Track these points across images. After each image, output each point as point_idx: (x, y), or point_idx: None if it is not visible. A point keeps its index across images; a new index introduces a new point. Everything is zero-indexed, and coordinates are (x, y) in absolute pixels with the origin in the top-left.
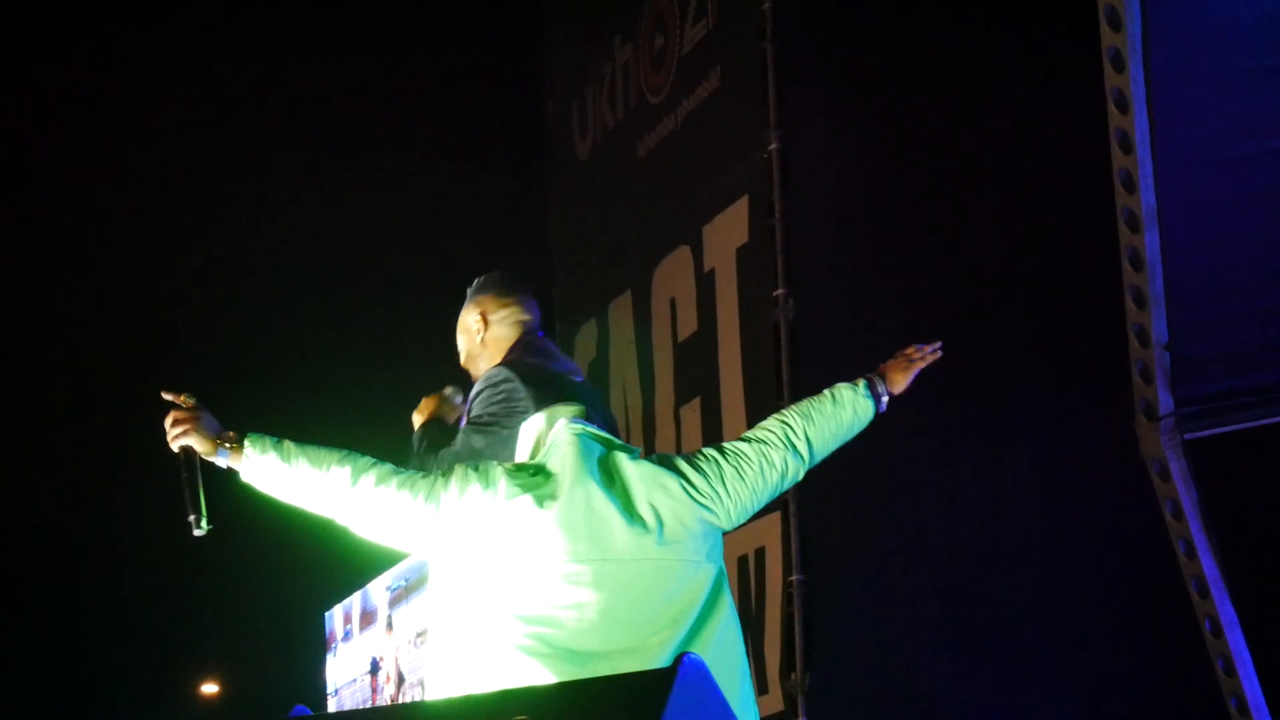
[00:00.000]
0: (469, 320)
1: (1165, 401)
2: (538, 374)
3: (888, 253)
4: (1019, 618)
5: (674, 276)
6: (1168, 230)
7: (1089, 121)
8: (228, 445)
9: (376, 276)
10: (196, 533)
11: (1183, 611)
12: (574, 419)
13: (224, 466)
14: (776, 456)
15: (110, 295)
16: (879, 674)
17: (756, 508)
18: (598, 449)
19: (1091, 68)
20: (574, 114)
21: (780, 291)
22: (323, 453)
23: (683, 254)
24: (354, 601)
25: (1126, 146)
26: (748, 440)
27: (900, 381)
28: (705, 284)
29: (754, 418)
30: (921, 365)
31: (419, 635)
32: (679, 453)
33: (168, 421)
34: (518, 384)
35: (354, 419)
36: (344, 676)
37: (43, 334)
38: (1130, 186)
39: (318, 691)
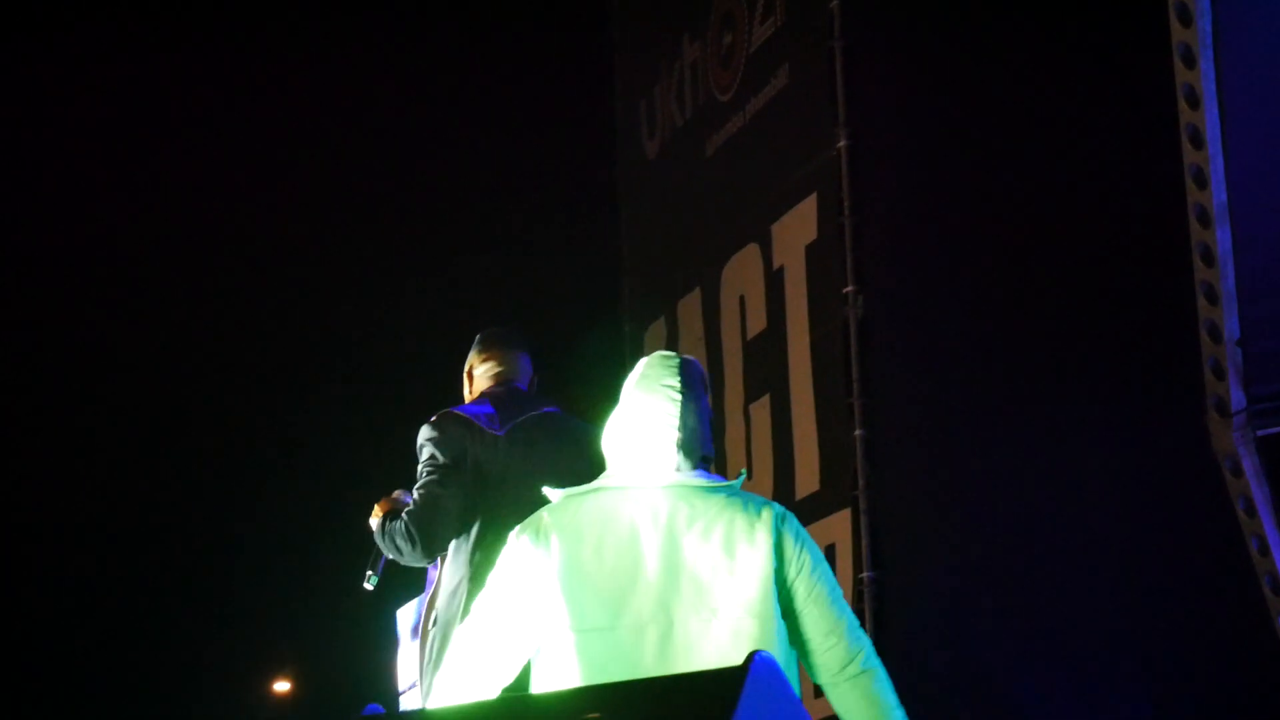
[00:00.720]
0: (464, 373)
1: (1237, 398)
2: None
3: (957, 249)
4: (1091, 615)
5: (743, 274)
6: (1239, 225)
7: (1160, 117)
8: None
9: (443, 282)
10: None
11: (1255, 607)
12: (659, 468)
13: None
14: (833, 635)
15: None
16: (950, 671)
17: (792, 624)
18: (688, 494)
19: (1163, 63)
20: (642, 113)
21: (850, 289)
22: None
23: (751, 252)
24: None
25: (1197, 142)
26: (847, 608)
27: None
28: (774, 281)
29: (823, 415)
30: None
31: None
32: (750, 458)
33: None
34: (437, 435)
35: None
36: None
37: (137, 333)
38: (1201, 182)
39: (389, 689)
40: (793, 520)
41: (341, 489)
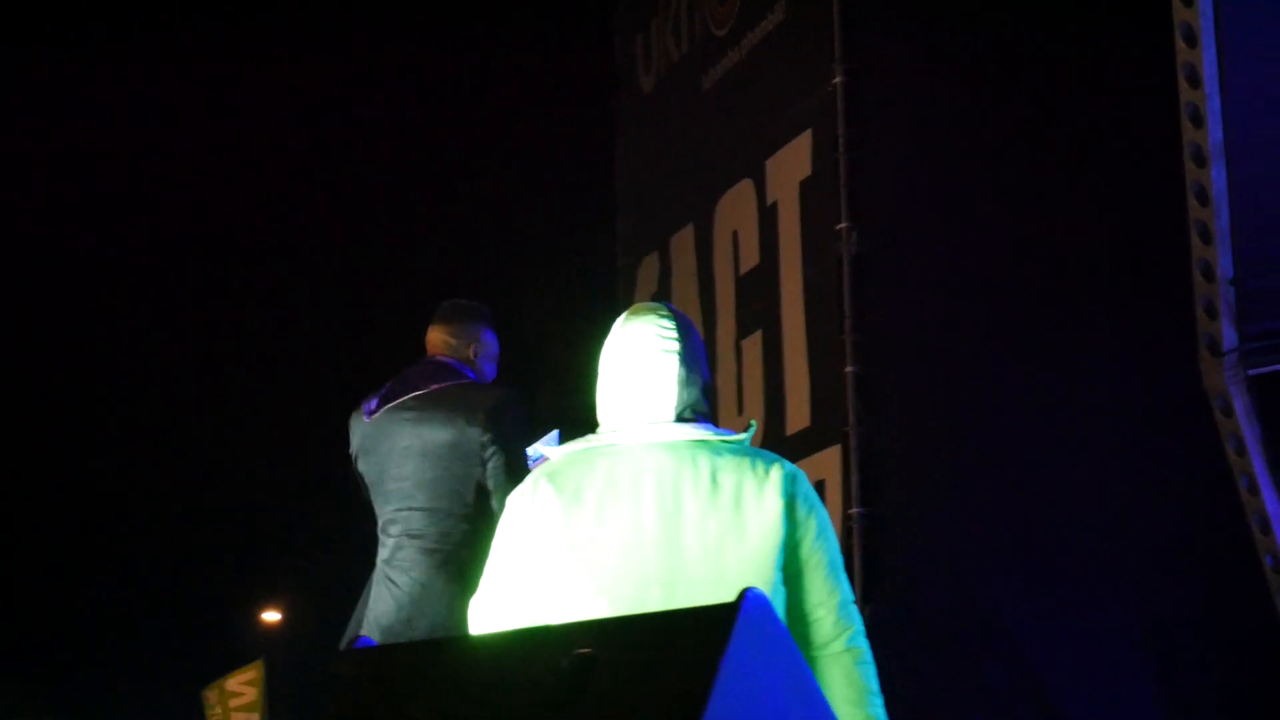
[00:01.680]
0: None
1: (1229, 337)
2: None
3: (953, 187)
4: (1082, 548)
5: (737, 210)
6: (1234, 165)
7: (1158, 55)
8: None
9: (442, 213)
10: None
11: (1245, 547)
12: (662, 421)
13: None
14: (826, 605)
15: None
16: (940, 606)
17: (791, 593)
18: (693, 451)
19: (1162, 2)
20: (639, 47)
21: (844, 225)
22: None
23: (745, 187)
24: None
25: (1194, 81)
26: (848, 587)
27: None
28: (768, 217)
29: (815, 351)
30: None
31: None
32: (741, 394)
33: None
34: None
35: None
36: None
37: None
38: (1198, 121)
39: None
40: (803, 480)
41: (335, 418)
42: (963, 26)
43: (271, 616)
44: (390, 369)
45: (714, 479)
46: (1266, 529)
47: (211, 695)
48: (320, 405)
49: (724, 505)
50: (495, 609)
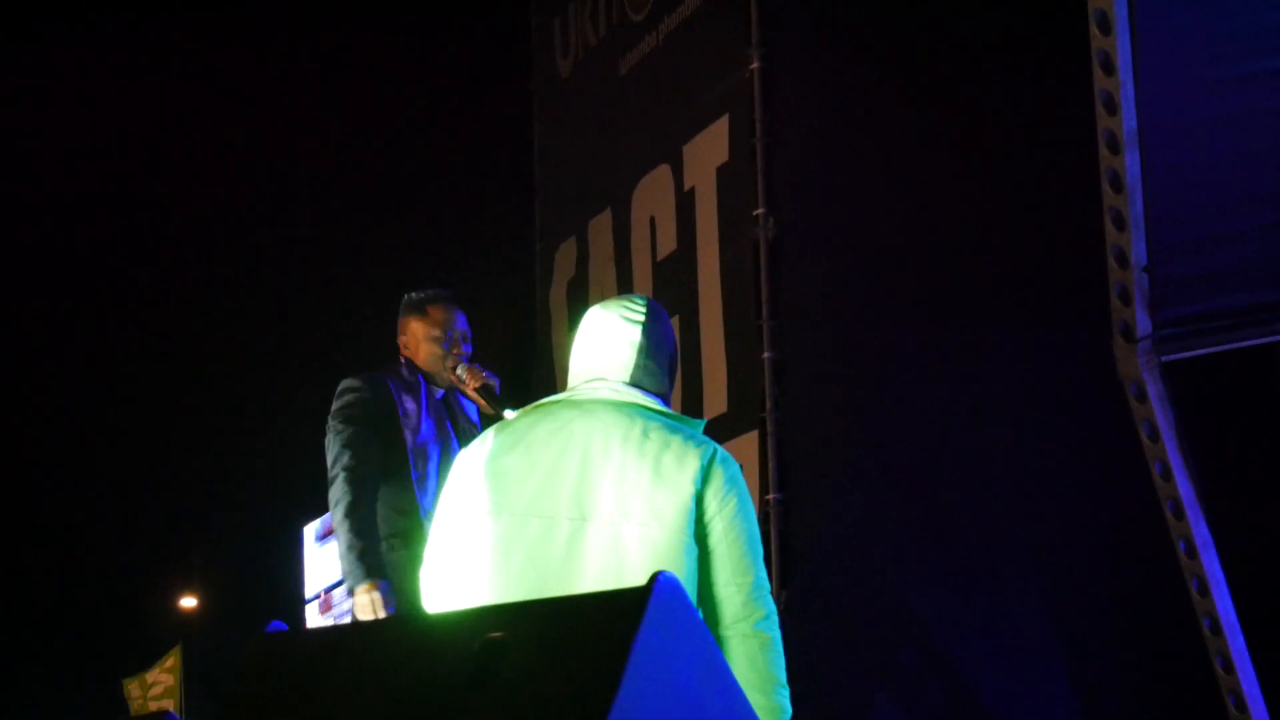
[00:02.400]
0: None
1: (1143, 323)
2: None
3: (868, 172)
4: (995, 535)
5: (654, 195)
6: (1148, 152)
7: (1071, 42)
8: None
9: (354, 198)
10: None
11: (1158, 534)
12: (615, 383)
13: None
14: (733, 585)
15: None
16: (856, 592)
17: (705, 561)
18: (633, 412)
19: None
20: (556, 30)
21: (760, 210)
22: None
23: (663, 172)
24: None
25: (1108, 68)
26: (760, 569)
27: None
28: (685, 202)
29: (732, 336)
30: None
31: None
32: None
33: None
34: None
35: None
36: (328, 579)
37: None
38: (1112, 108)
39: (296, 588)
40: (732, 465)
41: (248, 403)
42: (878, 13)
43: (188, 602)
44: (297, 355)
45: (644, 439)
46: (1180, 514)
47: (133, 687)
48: (233, 390)
49: (646, 459)
50: (442, 559)
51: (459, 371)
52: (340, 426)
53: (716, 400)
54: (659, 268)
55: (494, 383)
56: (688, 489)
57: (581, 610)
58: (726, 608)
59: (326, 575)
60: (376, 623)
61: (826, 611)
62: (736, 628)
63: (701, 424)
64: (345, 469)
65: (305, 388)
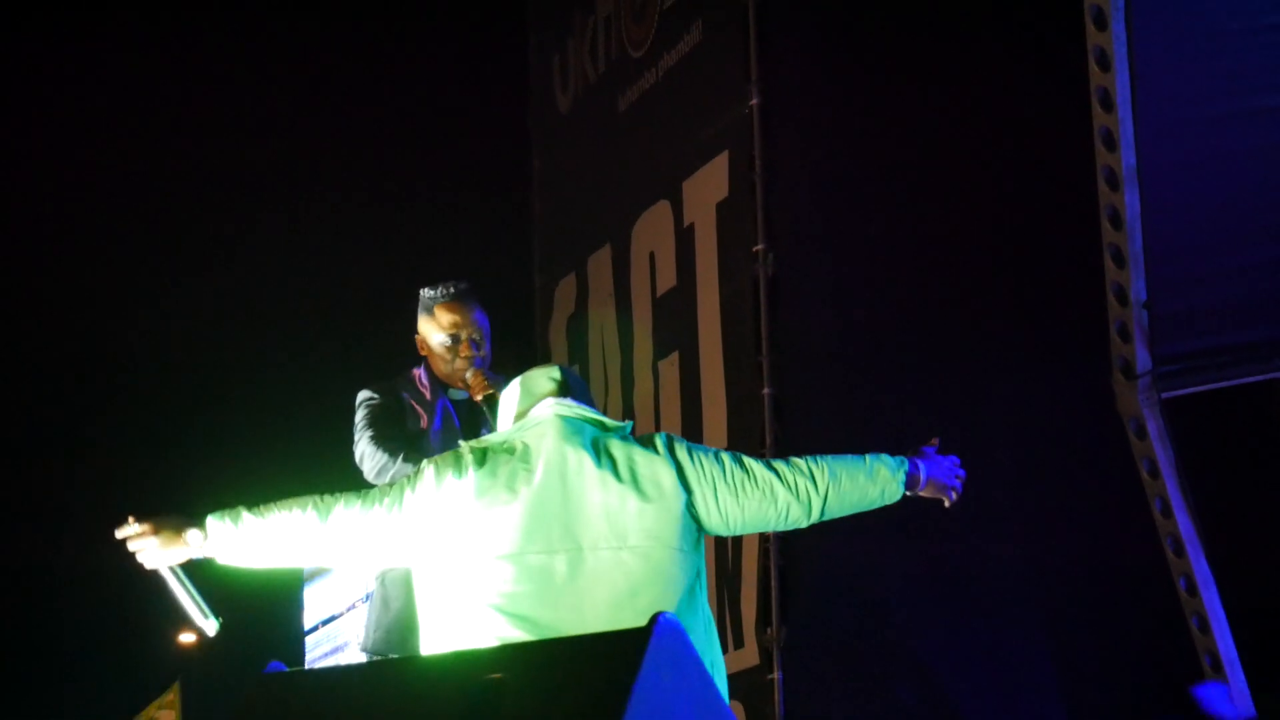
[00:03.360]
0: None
1: (1143, 360)
2: None
3: (868, 208)
4: (996, 571)
5: (653, 231)
6: (1147, 189)
7: (1071, 79)
8: (195, 542)
9: (358, 231)
10: (209, 633)
11: (1158, 569)
12: (560, 398)
13: (201, 558)
14: (782, 498)
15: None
16: (855, 628)
17: (746, 529)
18: (587, 430)
19: (1074, 25)
20: (555, 67)
21: (760, 246)
22: (287, 505)
23: (662, 208)
24: None
25: (1107, 105)
26: (767, 466)
27: (927, 491)
28: (685, 238)
29: (732, 372)
30: (951, 491)
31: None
32: (658, 414)
33: (132, 549)
34: None
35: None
36: (340, 605)
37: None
38: (1111, 144)
39: (296, 627)
40: (676, 439)
41: (247, 434)
42: (877, 51)
43: (187, 638)
44: (294, 388)
45: (611, 456)
46: (1180, 551)
47: None
48: (231, 423)
49: (627, 488)
50: (347, 516)
51: (467, 377)
52: (364, 425)
53: (716, 435)
54: (659, 303)
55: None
56: (675, 498)
57: (581, 651)
58: (803, 501)
59: (326, 610)
60: (376, 664)
61: (826, 645)
62: (820, 482)
63: (629, 425)
64: (370, 439)
65: (303, 417)
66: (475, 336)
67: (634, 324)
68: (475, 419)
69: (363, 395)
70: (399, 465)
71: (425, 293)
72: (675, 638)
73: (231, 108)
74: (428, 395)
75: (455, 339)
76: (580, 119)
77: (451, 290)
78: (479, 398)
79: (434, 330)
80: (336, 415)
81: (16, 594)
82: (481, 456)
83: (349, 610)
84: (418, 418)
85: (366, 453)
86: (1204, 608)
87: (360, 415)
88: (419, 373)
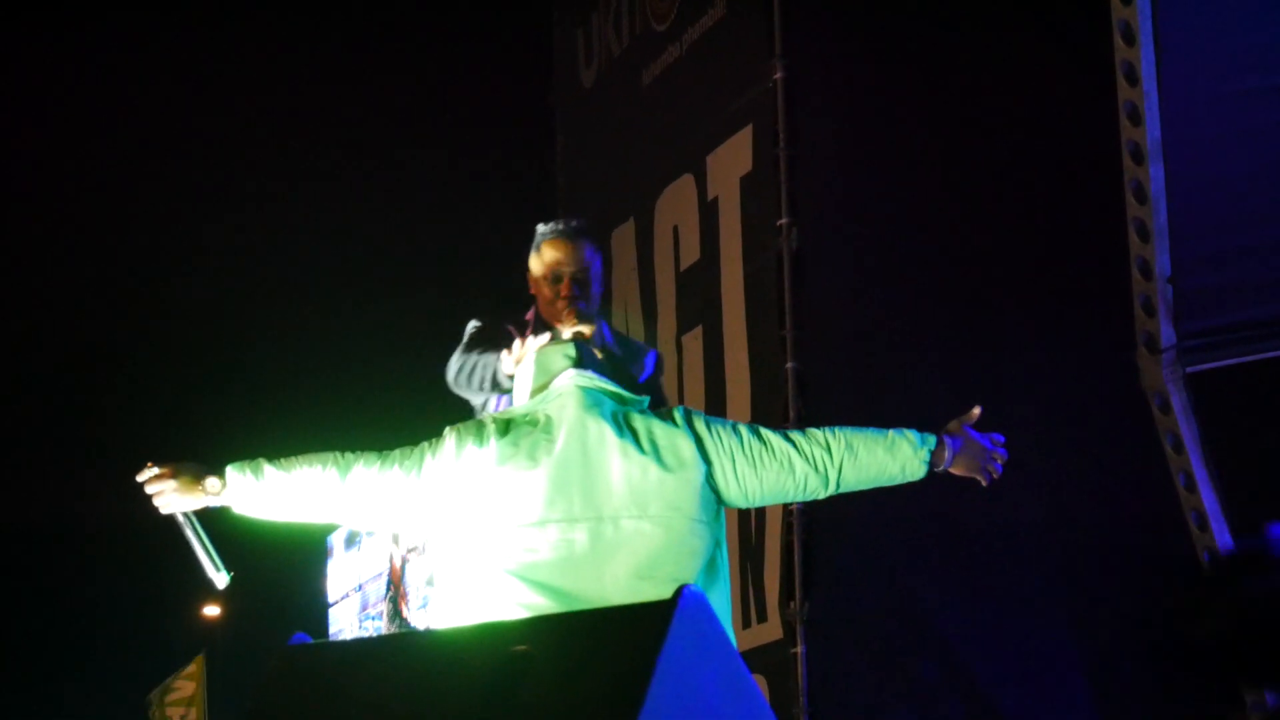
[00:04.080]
0: (599, 272)
1: (1167, 334)
2: None
3: (892, 183)
4: (1018, 545)
5: (677, 205)
6: (1172, 163)
7: (1095, 53)
8: (214, 490)
9: (381, 209)
10: (220, 585)
11: (1182, 543)
12: (580, 369)
13: (218, 506)
14: (800, 469)
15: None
16: (878, 602)
17: (765, 501)
18: (606, 402)
19: (1102, 5)
20: (579, 41)
21: (784, 221)
22: (307, 460)
23: (686, 182)
24: None
25: (1132, 79)
26: (784, 437)
27: (959, 469)
28: (708, 213)
29: (755, 346)
30: (987, 471)
31: (424, 542)
32: (682, 389)
33: (150, 493)
34: None
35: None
36: (367, 572)
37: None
38: (1136, 119)
39: (320, 600)
40: (694, 412)
41: (271, 413)
42: (901, 24)
43: (211, 611)
44: (318, 376)
45: (631, 428)
46: (1204, 525)
47: (155, 698)
48: (256, 401)
49: (648, 458)
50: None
51: (564, 319)
52: (460, 348)
53: (740, 410)
54: (682, 278)
55: (590, 336)
56: (695, 469)
57: (606, 624)
58: (820, 471)
59: (353, 580)
60: (401, 635)
61: (849, 623)
62: (835, 453)
63: (646, 400)
64: (458, 353)
65: (327, 399)
66: (579, 276)
67: (657, 298)
68: None
69: (470, 325)
70: (478, 358)
71: (538, 229)
72: (700, 610)
73: (248, 98)
74: (530, 333)
75: (557, 277)
76: (604, 93)
77: (559, 227)
78: (566, 335)
79: (538, 265)
80: (361, 380)
81: (44, 563)
82: (504, 427)
83: (372, 580)
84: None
85: (451, 362)
86: None
87: (463, 340)
88: (530, 314)
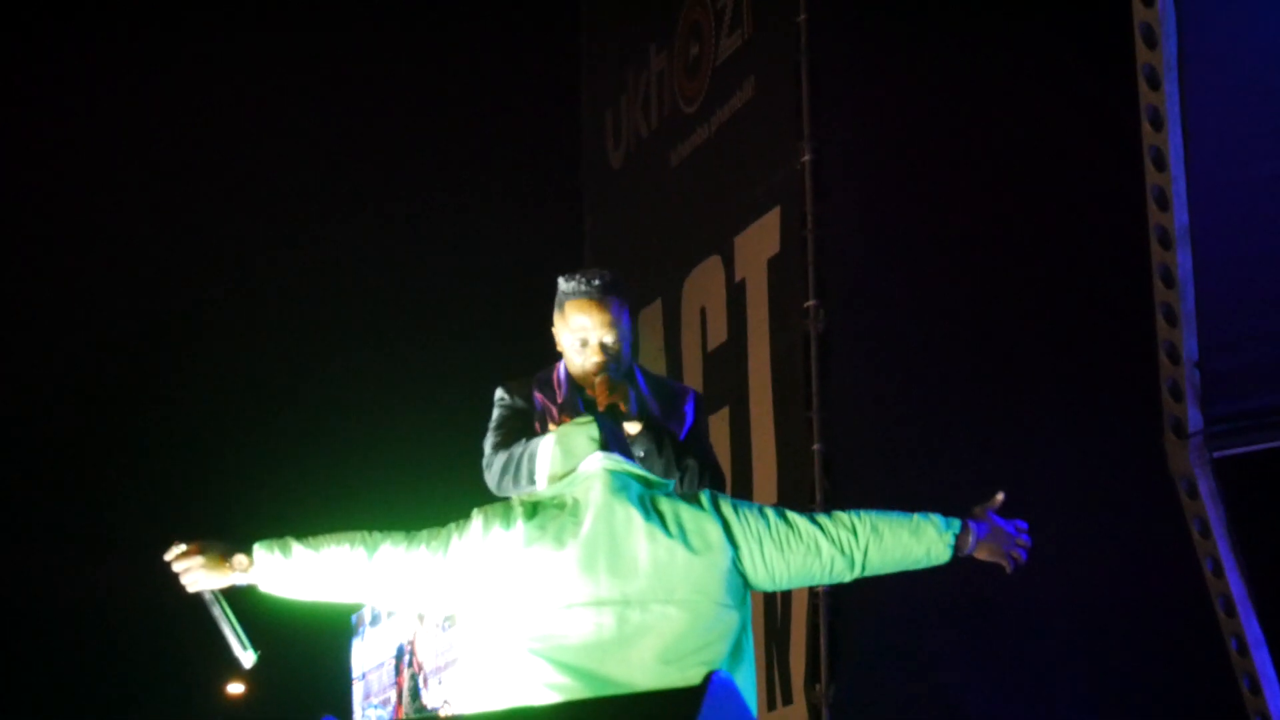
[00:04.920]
0: (629, 327)
1: (1194, 419)
2: None
3: (919, 265)
4: (1045, 632)
5: (705, 286)
6: (1200, 248)
7: (1123, 137)
8: (241, 568)
9: (410, 289)
10: (247, 665)
11: (1209, 629)
12: (607, 453)
13: (244, 585)
14: (826, 552)
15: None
16: (903, 686)
17: (792, 585)
18: (633, 485)
19: (1126, 83)
20: (608, 123)
21: (811, 303)
22: (335, 539)
23: (714, 264)
24: None
25: (1160, 164)
26: (810, 520)
27: (983, 554)
28: (736, 294)
29: (782, 428)
30: (1011, 558)
31: (446, 620)
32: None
33: (177, 571)
34: None
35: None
36: (370, 661)
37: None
38: (1163, 204)
39: (344, 678)
40: (720, 495)
41: (299, 485)
42: (930, 106)
43: (235, 689)
44: (349, 443)
45: (658, 512)
46: (1231, 611)
47: None
48: (283, 474)
49: (675, 541)
50: (389, 556)
51: (597, 383)
52: (492, 430)
53: (766, 491)
54: (709, 358)
55: (626, 409)
56: (723, 553)
57: (635, 710)
58: (846, 553)
59: (358, 669)
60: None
61: (874, 706)
62: (860, 538)
63: (671, 484)
64: (493, 447)
65: (355, 467)
66: (607, 339)
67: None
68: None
69: (497, 395)
70: (522, 450)
71: (560, 284)
72: (729, 696)
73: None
74: (559, 396)
75: (583, 342)
76: (632, 174)
77: (582, 287)
78: (601, 408)
79: (563, 330)
80: (380, 441)
81: (70, 639)
82: (532, 509)
83: (374, 670)
84: (548, 420)
85: (487, 460)
86: (1255, 668)
87: (493, 418)
88: (558, 369)
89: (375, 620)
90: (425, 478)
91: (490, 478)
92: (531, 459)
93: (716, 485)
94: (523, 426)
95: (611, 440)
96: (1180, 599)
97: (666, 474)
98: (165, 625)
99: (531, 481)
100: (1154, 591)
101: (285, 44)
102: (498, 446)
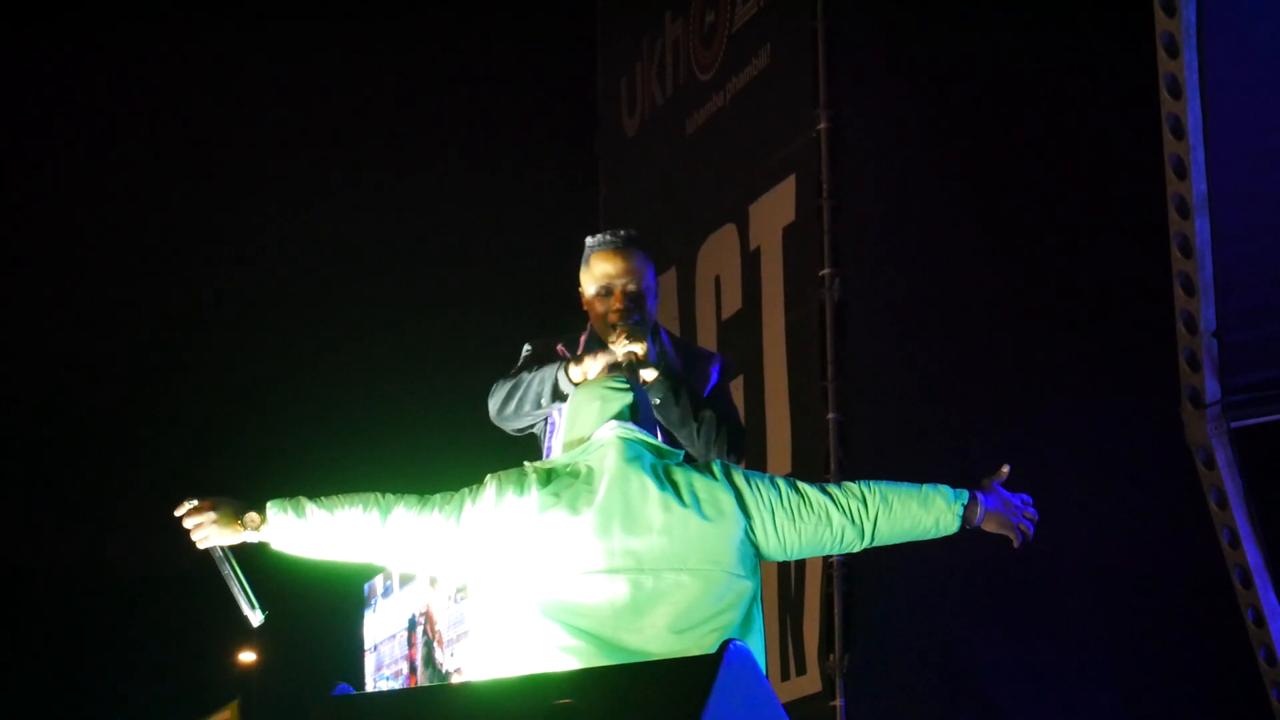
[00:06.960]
0: (654, 282)
1: (1212, 389)
2: None
3: (935, 233)
4: (1060, 599)
5: (720, 254)
6: (1218, 217)
7: (1142, 106)
8: (253, 526)
9: (426, 260)
10: (255, 623)
11: (1226, 600)
12: (621, 420)
13: (255, 543)
14: (836, 522)
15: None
16: (918, 655)
17: (803, 554)
18: (646, 455)
19: (1145, 51)
20: (623, 90)
21: (826, 271)
22: (349, 500)
23: (729, 232)
24: None
25: (1179, 132)
26: (821, 491)
27: (991, 526)
28: (751, 262)
29: (797, 397)
30: (1019, 530)
31: (459, 590)
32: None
33: (188, 527)
34: None
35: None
36: (382, 632)
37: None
38: (1181, 172)
39: (355, 648)
40: (731, 465)
41: (312, 455)
42: (946, 74)
43: (247, 657)
44: (362, 415)
45: (672, 482)
46: (1248, 582)
47: None
48: (295, 443)
49: (690, 511)
50: (401, 517)
51: (616, 336)
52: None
53: (780, 460)
54: (724, 327)
55: (644, 355)
56: (735, 523)
57: (651, 677)
58: (856, 522)
59: (389, 628)
60: (443, 687)
61: (889, 672)
62: (871, 507)
63: (681, 454)
64: (501, 380)
65: (367, 440)
66: (630, 287)
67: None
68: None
69: (525, 348)
70: (532, 375)
71: (586, 241)
72: (745, 664)
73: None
74: (580, 350)
75: (607, 290)
76: (647, 142)
77: (608, 238)
78: (619, 356)
79: (588, 281)
80: (390, 415)
81: (80, 606)
82: (546, 476)
83: (386, 641)
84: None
85: (496, 389)
86: (1272, 639)
87: (515, 371)
88: (586, 334)
89: (388, 592)
90: (438, 452)
91: (492, 404)
92: (544, 382)
93: (735, 441)
94: (544, 365)
95: (642, 405)
96: (1196, 570)
97: (682, 423)
98: (178, 594)
99: (539, 405)
100: (1169, 562)
101: (300, 18)
102: (507, 378)
